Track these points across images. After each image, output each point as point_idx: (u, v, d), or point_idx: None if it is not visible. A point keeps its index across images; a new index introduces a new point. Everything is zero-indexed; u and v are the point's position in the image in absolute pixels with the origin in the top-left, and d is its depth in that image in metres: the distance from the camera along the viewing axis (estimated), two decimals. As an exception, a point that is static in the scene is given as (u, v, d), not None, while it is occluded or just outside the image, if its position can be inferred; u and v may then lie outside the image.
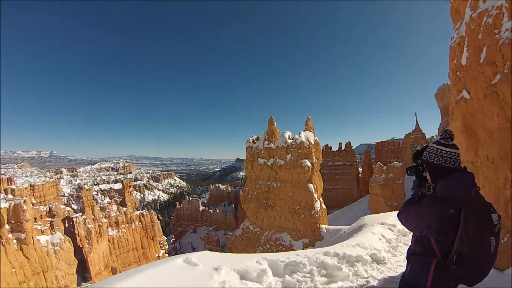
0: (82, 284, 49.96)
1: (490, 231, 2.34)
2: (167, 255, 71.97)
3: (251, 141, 27.39)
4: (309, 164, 23.01)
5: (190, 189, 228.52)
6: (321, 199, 24.55)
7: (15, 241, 38.59)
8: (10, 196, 47.78)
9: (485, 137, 5.33)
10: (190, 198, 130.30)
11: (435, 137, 73.69)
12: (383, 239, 9.33)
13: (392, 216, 12.48)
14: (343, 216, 56.17)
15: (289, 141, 24.20)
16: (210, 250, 79.15)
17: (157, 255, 69.94)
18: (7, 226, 38.15)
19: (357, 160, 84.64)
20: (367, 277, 5.80)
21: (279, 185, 24.66)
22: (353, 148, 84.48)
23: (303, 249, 21.44)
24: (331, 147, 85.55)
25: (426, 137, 74.10)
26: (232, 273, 5.16)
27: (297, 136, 24.03)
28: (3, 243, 36.67)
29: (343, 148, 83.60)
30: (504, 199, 4.80)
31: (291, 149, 23.82)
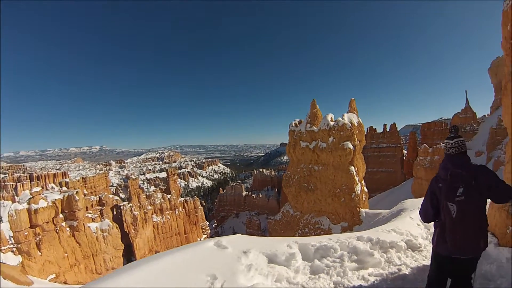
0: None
1: (450, 198, 3.29)
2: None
3: (293, 124, 27.41)
4: (351, 146, 22.72)
5: (234, 175, 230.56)
6: (362, 182, 24.29)
7: (68, 228, 43.27)
8: (64, 188, 51.91)
9: (542, 114, 4.62)
10: (234, 184, 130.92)
11: (486, 116, 68.80)
12: (422, 225, 9.05)
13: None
14: (385, 199, 54.84)
15: (331, 123, 23.93)
16: (252, 234, 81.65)
17: (199, 239, 72.62)
18: (61, 215, 42.99)
19: (402, 142, 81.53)
20: (400, 265, 5.76)
21: (321, 168, 24.64)
22: (398, 129, 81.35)
23: (341, 233, 21.51)
24: (375, 129, 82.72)
25: (477, 117, 69.04)
26: (261, 256, 5.41)
27: (339, 118, 23.69)
28: (57, 230, 41.11)
29: (387, 129, 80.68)
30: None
31: (333, 132, 23.60)
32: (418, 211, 10.52)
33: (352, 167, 23.21)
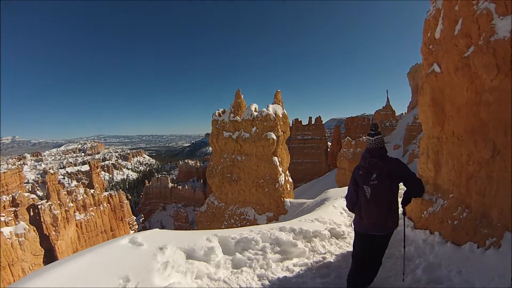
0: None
1: (366, 182, 3.79)
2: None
3: (217, 114, 26.88)
4: (274, 137, 22.81)
5: (160, 166, 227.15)
6: (287, 172, 24.67)
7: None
8: (-34, 190, 44.29)
9: (452, 112, 5.22)
10: (159, 176, 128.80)
11: (404, 114, 76.15)
12: (344, 213, 9.33)
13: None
14: (311, 189, 57.42)
15: (255, 113, 23.87)
16: (180, 227, 79.91)
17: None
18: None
19: (326, 135, 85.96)
20: (324, 253, 5.82)
21: (244, 158, 24.53)
22: (323, 122, 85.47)
23: (267, 223, 21.69)
24: (301, 121, 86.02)
25: (396, 114, 76.21)
26: (178, 252, 5.00)
27: (264, 109, 23.69)
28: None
29: (313, 122, 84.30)
30: (466, 175, 4.73)
31: (257, 122, 23.52)
32: (341, 200, 10.82)
33: (276, 157, 23.36)
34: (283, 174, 23.53)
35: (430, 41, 6.06)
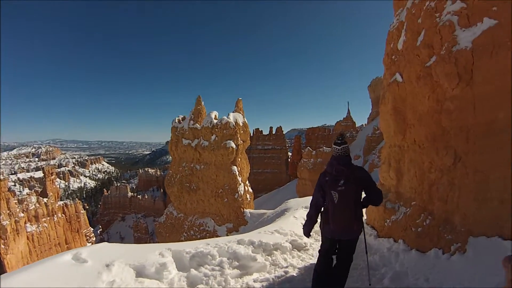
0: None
1: (334, 187, 3.85)
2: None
3: (176, 121, 26.15)
4: (234, 145, 22.50)
5: (119, 174, 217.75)
6: (247, 182, 24.41)
7: None
8: None
9: (414, 121, 5.33)
10: (119, 184, 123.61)
11: (364, 125, 78.90)
12: None
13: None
14: (272, 199, 57.40)
15: (215, 121, 23.45)
16: (139, 238, 76.54)
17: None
18: None
19: (287, 145, 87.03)
20: (286, 267, 5.54)
21: (203, 167, 23.99)
22: (284, 133, 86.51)
23: (227, 234, 21.18)
24: (262, 131, 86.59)
25: (356, 125, 78.77)
26: (127, 269, 4.54)
27: (224, 117, 23.44)
28: None
29: (274, 132, 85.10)
30: (428, 182, 4.83)
31: (216, 130, 23.07)
32: (301, 210, 10.69)
33: (235, 167, 22.99)
34: (242, 184, 23.20)
35: (392, 52, 6.21)
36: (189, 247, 5.70)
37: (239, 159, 23.51)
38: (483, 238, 3.73)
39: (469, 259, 3.69)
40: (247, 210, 22.54)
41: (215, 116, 23.96)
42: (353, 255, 4.25)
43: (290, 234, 7.44)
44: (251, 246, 6.05)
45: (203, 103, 25.72)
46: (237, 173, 22.84)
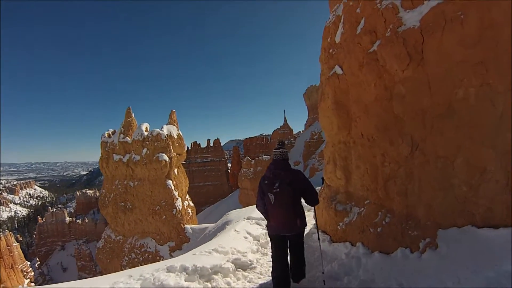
0: None
1: (270, 190, 4.02)
2: (33, 284, 59.82)
3: (106, 135, 24.31)
4: (166, 158, 21.49)
5: (54, 199, 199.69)
6: (187, 196, 23.52)
7: None
8: None
9: (359, 113, 4.97)
10: (54, 210, 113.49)
11: (301, 132, 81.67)
12: (249, 237, 8.25)
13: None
14: (216, 211, 56.91)
15: (145, 133, 22.29)
16: (83, 266, 70.37)
17: (20, 287, 57.85)
18: None
19: (226, 156, 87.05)
20: None
21: (137, 183, 22.58)
22: (222, 144, 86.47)
23: (170, 253, 20.20)
24: (199, 144, 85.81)
25: (294, 132, 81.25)
26: None
27: (155, 129, 22.36)
28: None
29: (211, 144, 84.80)
30: (383, 177, 4.43)
31: (147, 142, 21.95)
32: (243, 222, 10.20)
33: (170, 181, 22.01)
34: (179, 199, 22.20)
35: (330, 46, 5.90)
36: (105, 283, 4.68)
37: (174, 173, 22.55)
38: (454, 229, 3.37)
39: (442, 255, 3.30)
40: (188, 226, 21.62)
41: (146, 128, 22.76)
42: (307, 260, 4.51)
43: (231, 252, 6.60)
44: (184, 272, 5.15)
45: (133, 115, 24.41)
46: (172, 187, 21.91)
